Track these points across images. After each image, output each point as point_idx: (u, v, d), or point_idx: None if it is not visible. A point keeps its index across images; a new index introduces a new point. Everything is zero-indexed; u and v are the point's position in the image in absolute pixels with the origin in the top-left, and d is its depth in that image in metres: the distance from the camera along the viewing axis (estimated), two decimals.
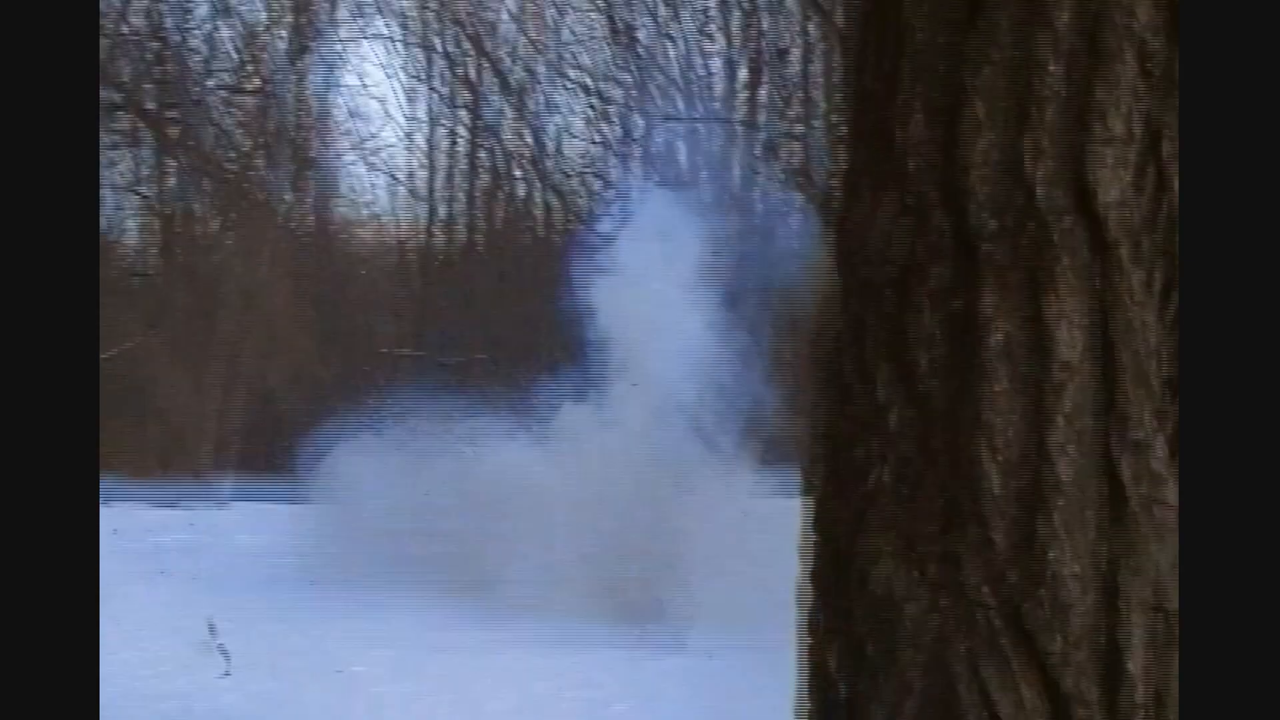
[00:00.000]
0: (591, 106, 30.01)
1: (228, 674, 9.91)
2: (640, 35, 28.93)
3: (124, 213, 29.73)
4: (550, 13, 29.96)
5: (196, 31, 28.81)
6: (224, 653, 10.06)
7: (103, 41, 27.10)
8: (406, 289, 31.34)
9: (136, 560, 14.65)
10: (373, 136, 30.47)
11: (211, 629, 10.37)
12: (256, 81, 29.25)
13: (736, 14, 28.35)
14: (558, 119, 30.44)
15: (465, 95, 30.60)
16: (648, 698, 9.68)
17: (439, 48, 30.46)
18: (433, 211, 31.21)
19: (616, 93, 29.70)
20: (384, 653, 10.87)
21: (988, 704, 1.48)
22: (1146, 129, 1.49)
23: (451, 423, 16.51)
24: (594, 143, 30.57)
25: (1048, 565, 1.48)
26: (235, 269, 27.67)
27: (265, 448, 18.07)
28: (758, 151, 26.20)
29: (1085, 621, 1.47)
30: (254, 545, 15.54)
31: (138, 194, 29.59)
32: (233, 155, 29.81)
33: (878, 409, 1.55)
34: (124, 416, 24.96)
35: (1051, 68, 1.50)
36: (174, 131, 28.47)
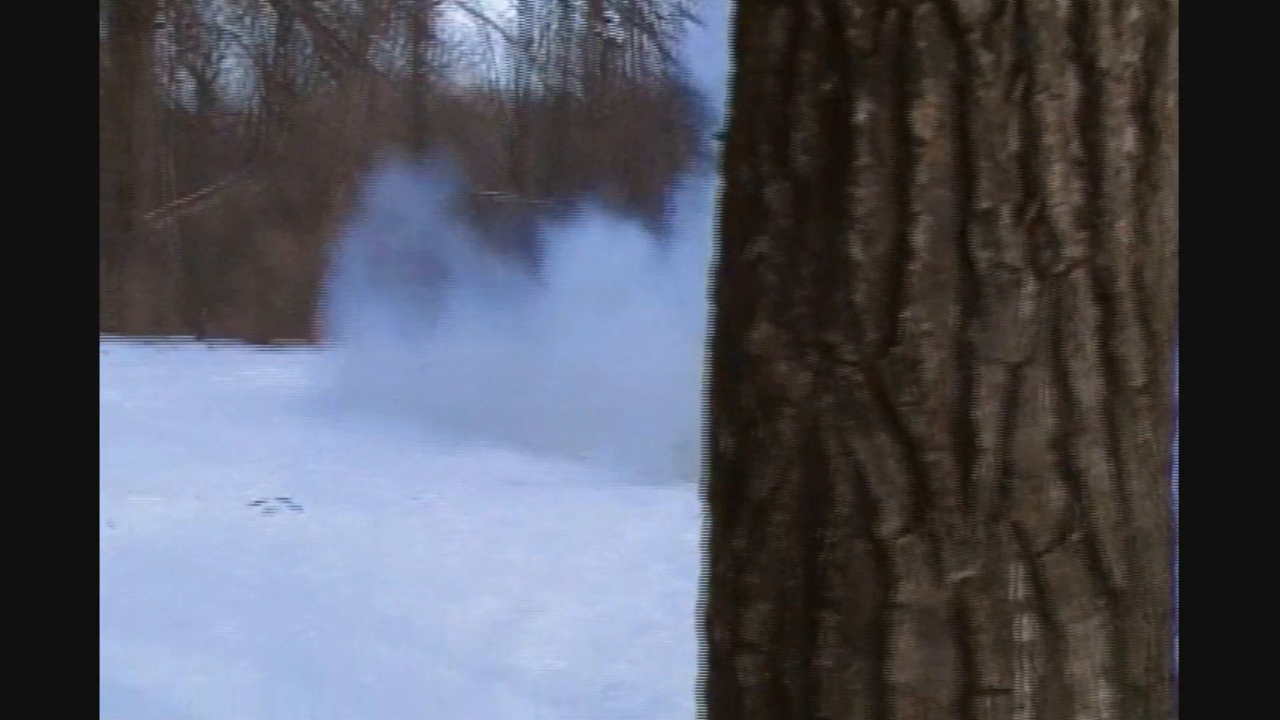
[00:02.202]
0: None
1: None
2: None
3: (223, 56, 29.98)
4: None
5: None
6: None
7: None
8: (502, 134, 31.45)
9: (228, 400, 15.10)
10: None
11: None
12: None
13: None
14: None
15: None
16: None
17: None
18: (528, 56, 31.23)
19: None
20: (468, 489, 11.16)
21: (849, 451, 1.63)
22: None
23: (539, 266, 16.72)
24: None
25: (905, 329, 1.62)
26: (332, 114, 27.89)
27: (364, 297, 18.36)
28: None
29: (936, 375, 1.62)
30: (345, 383, 15.87)
31: (234, 37, 29.84)
32: (329, 5, 29.93)
33: (757, 184, 1.69)
34: (227, 273, 25.41)
35: None
36: None
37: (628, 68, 31.19)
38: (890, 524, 1.61)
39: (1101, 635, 1.63)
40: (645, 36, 30.55)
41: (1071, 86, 1.63)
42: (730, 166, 1.75)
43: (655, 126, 27.43)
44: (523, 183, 28.29)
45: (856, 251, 1.63)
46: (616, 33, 30.96)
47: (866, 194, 1.63)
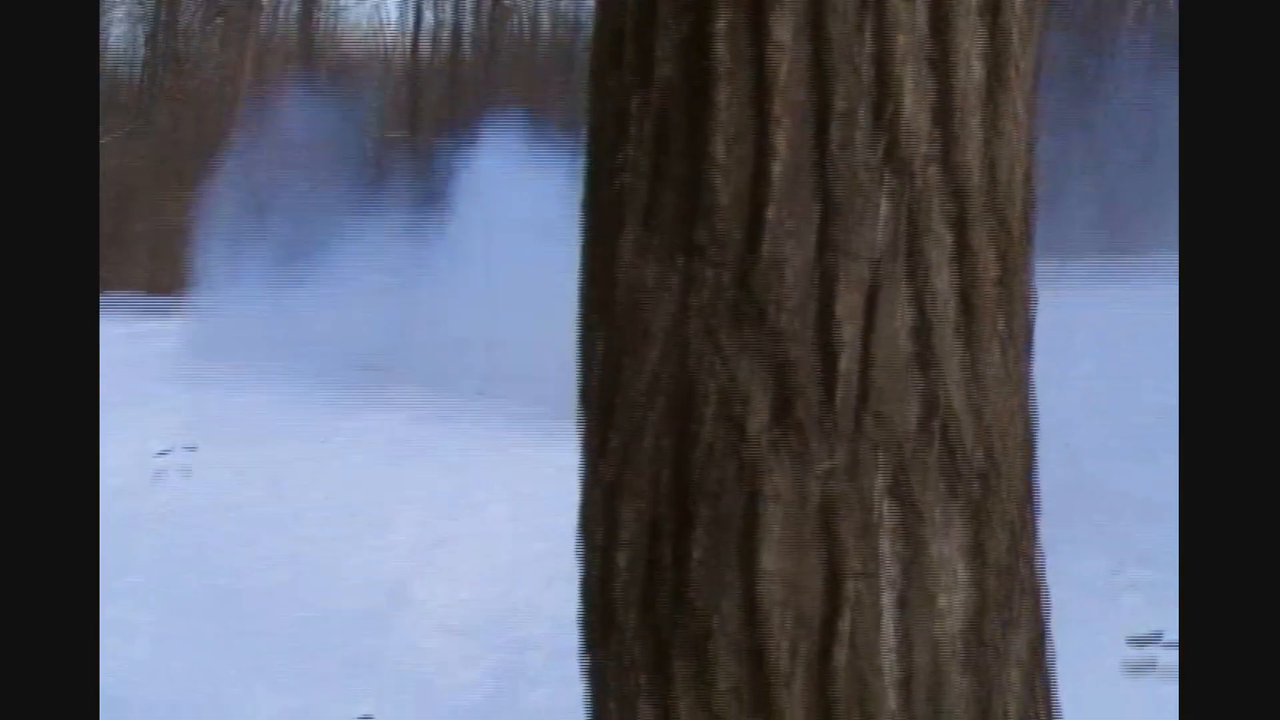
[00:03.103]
0: None
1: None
2: None
3: (110, 10, 29.55)
4: None
5: None
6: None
7: None
8: (394, 89, 31.18)
9: (120, 358, 14.99)
10: None
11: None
12: None
13: None
14: None
15: None
16: None
17: None
18: (419, 12, 30.96)
19: None
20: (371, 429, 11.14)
21: (718, 348, 1.68)
22: None
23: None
24: None
25: (766, 223, 1.67)
26: (221, 65, 27.57)
27: (256, 247, 18.24)
28: None
29: (799, 272, 1.67)
30: (241, 339, 15.76)
31: None
32: None
33: (623, 93, 1.74)
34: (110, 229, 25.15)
35: None
36: None
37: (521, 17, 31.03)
38: (757, 416, 1.67)
39: (962, 518, 1.69)
40: None
41: None
42: (597, 78, 1.79)
43: (555, 65, 27.34)
44: (420, 122, 28.11)
45: (719, 154, 1.68)
46: None
47: (728, 98, 1.68)
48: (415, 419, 11.64)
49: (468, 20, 30.99)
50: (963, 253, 1.69)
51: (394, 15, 31.08)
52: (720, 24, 1.68)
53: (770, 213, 1.67)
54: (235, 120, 25.68)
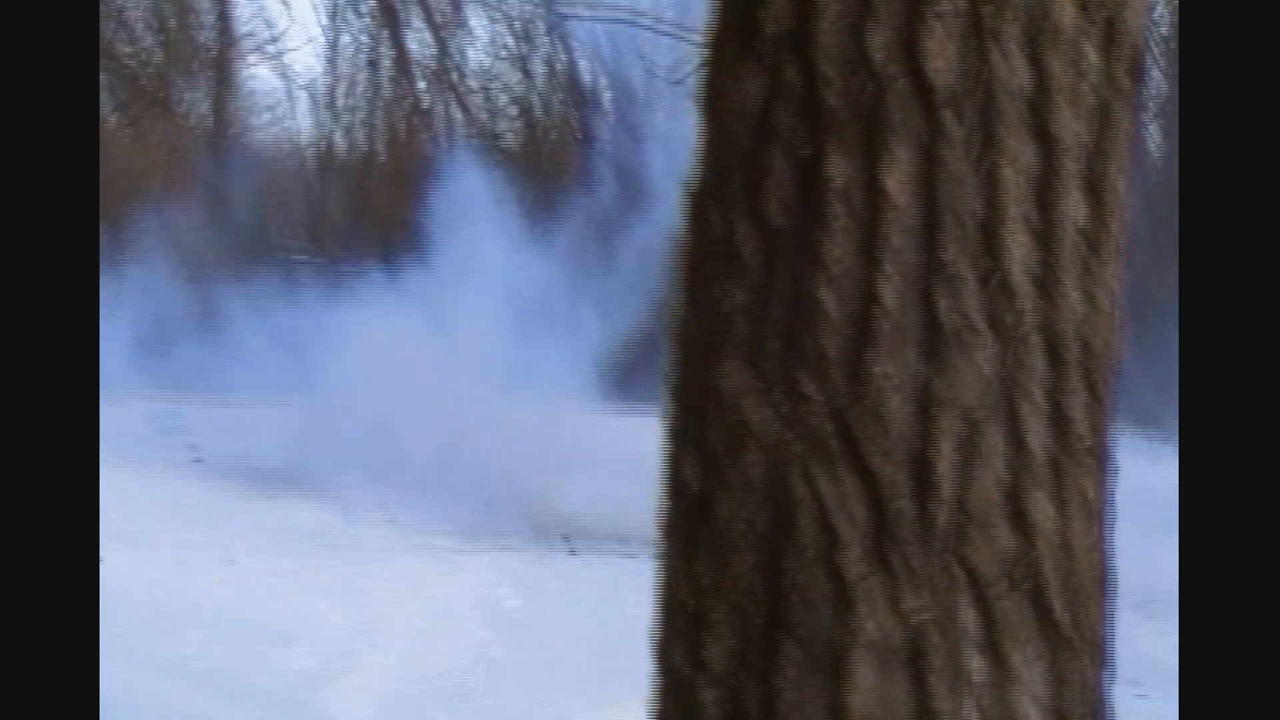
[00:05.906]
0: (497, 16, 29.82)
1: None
2: None
3: None
4: None
5: None
6: None
7: None
8: (305, 194, 31.12)
9: None
10: (275, 39, 30.22)
11: None
12: None
13: None
14: (464, 30, 30.26)
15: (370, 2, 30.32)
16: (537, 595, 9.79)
17: None
18: (334, 118, 31.01)
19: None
20: (276, 544, 10.96)
21: (813, 488, 1.72)
22: (971, 5, 1.72)
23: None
24: (499, 58, 30.49)
25: (872, 377, 1.72)
26: (132, 165, 27.44)
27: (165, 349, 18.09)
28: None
29: (899, 421, 1.71)
30: (145, 432, 15.52)
31: None
32: (131, 49, 29.55)
33: (733, 240, 1.78)
34: None
35: None
36: None
37: (436, 131, 31.17)
38: (851, 559, 1.70)
39: (1044, 674, 1.73)
40: (454, 102, 30.57)
41: (1030, 158, 1.74)
42: (699, 214, 1.83)
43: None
44: (323, 237, 28.06)
45: (827, 301, 1.72)
46: (424, 97, 30.93)
47: (838, 248, 1.73)
48: (318, 534, 11.45)
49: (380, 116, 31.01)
50: (1057, 417, 1.75)
51: (305, 116, 30.94)
52: (834, 175, 1.73)
53: (875, 364, 1.72)
54: (143, 213, 25.51)
